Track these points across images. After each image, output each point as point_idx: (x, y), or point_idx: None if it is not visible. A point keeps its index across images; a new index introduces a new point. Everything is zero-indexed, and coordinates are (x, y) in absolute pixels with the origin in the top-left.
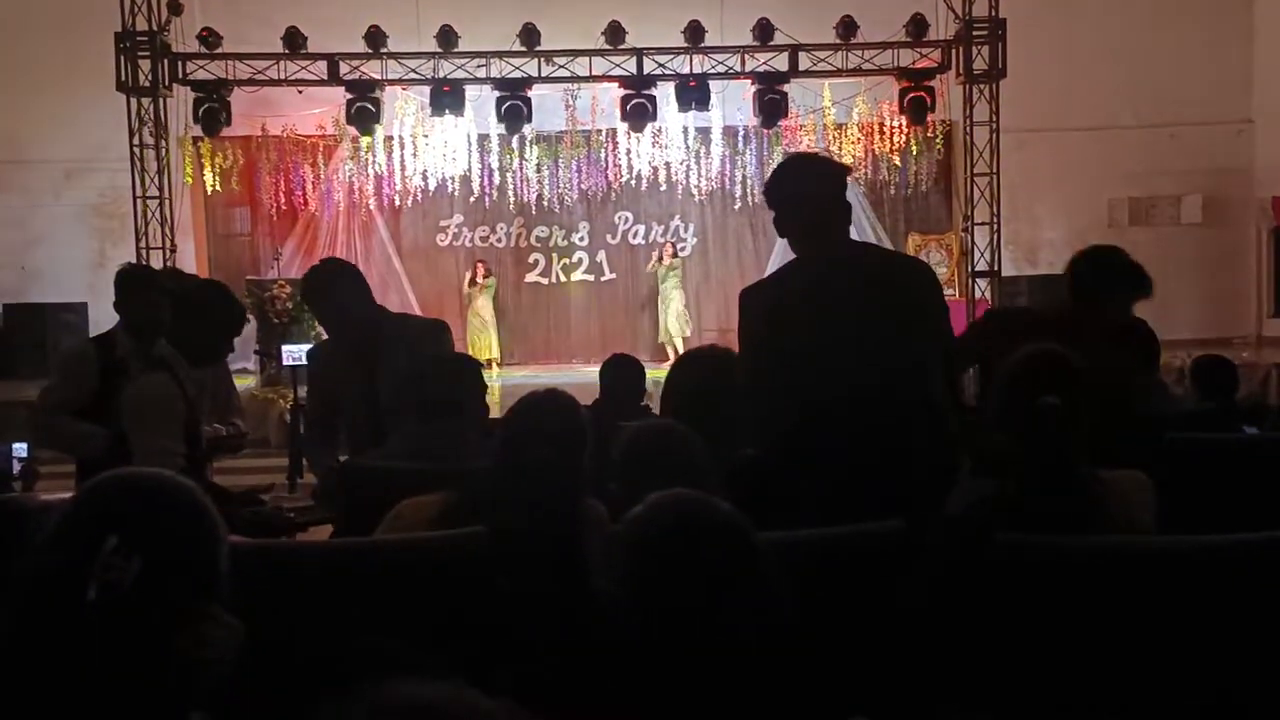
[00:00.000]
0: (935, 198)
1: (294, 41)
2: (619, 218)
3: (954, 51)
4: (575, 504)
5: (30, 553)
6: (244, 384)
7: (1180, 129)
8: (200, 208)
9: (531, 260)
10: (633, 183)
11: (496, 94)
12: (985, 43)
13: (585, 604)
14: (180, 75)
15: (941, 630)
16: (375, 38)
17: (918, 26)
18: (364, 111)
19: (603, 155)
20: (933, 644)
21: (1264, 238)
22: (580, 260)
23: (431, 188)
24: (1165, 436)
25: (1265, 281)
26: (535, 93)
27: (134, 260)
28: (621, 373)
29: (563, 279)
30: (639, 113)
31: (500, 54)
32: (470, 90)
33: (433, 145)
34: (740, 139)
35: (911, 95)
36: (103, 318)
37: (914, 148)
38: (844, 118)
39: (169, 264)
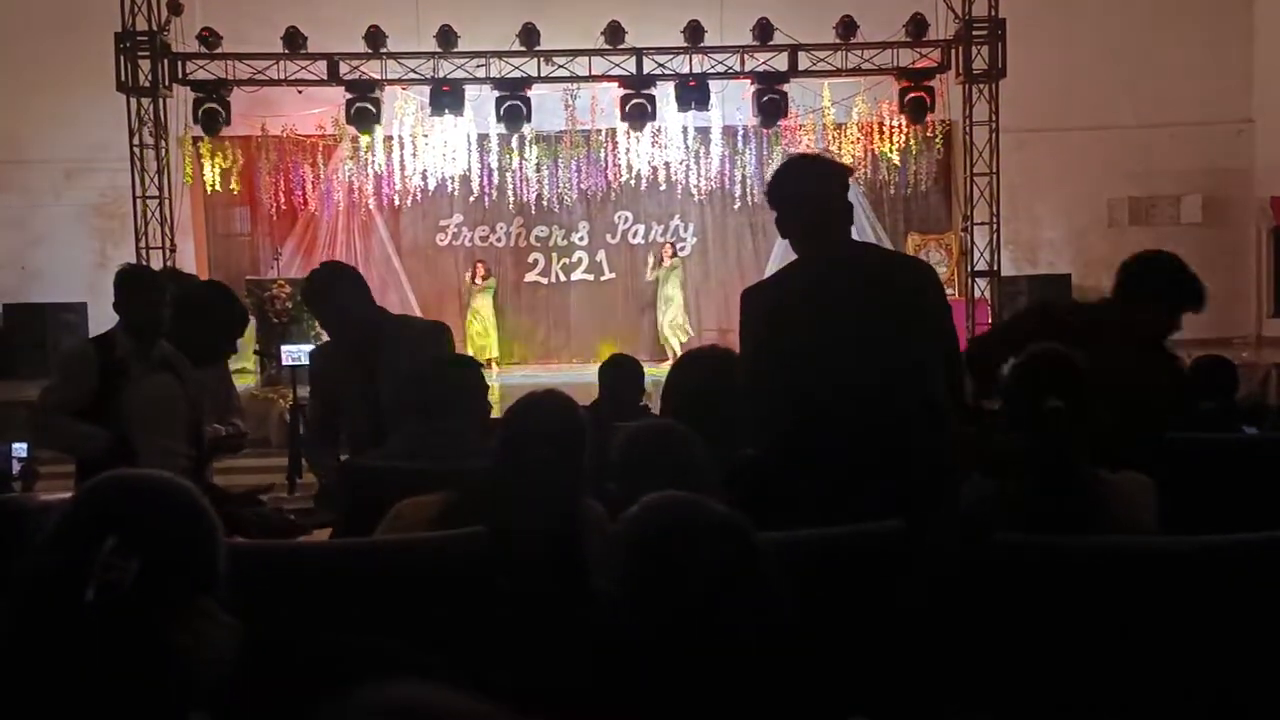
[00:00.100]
0: (935, 198)
1: (294, 41)
2: (619, 217)
3: (954, 51)
4: (574, 504)
5: (30, 553)
6: (244, 384)
7: (1180, 129)
8: (200, 208)
9: (531, 260)
10: (632, 182)
11: (496, 94)
12: (985, 43)
13: (584, 604)
14: (180, 75)
15: (942, 630)
16: (375, 38)
17: (917, 26)
18: (364, 111)
19: (602, 155)
20: (933, 644)
21: (1264, 238)
22: (580, 260)
23: (431, 187)
24: (1165, 436)
25: (1265, 281)
26: (535, 93)
27: (134, 260)
28: (621, 373)
29: (562, 279)
30: (638, 113)
31: (500, 54)
32: (470, 90)
33: (432, 145)
34: (740, 139)
35: (911, 95)
36: (103, 318)
37: (914, 148)
38: (844, 118)
39: (169, 264)
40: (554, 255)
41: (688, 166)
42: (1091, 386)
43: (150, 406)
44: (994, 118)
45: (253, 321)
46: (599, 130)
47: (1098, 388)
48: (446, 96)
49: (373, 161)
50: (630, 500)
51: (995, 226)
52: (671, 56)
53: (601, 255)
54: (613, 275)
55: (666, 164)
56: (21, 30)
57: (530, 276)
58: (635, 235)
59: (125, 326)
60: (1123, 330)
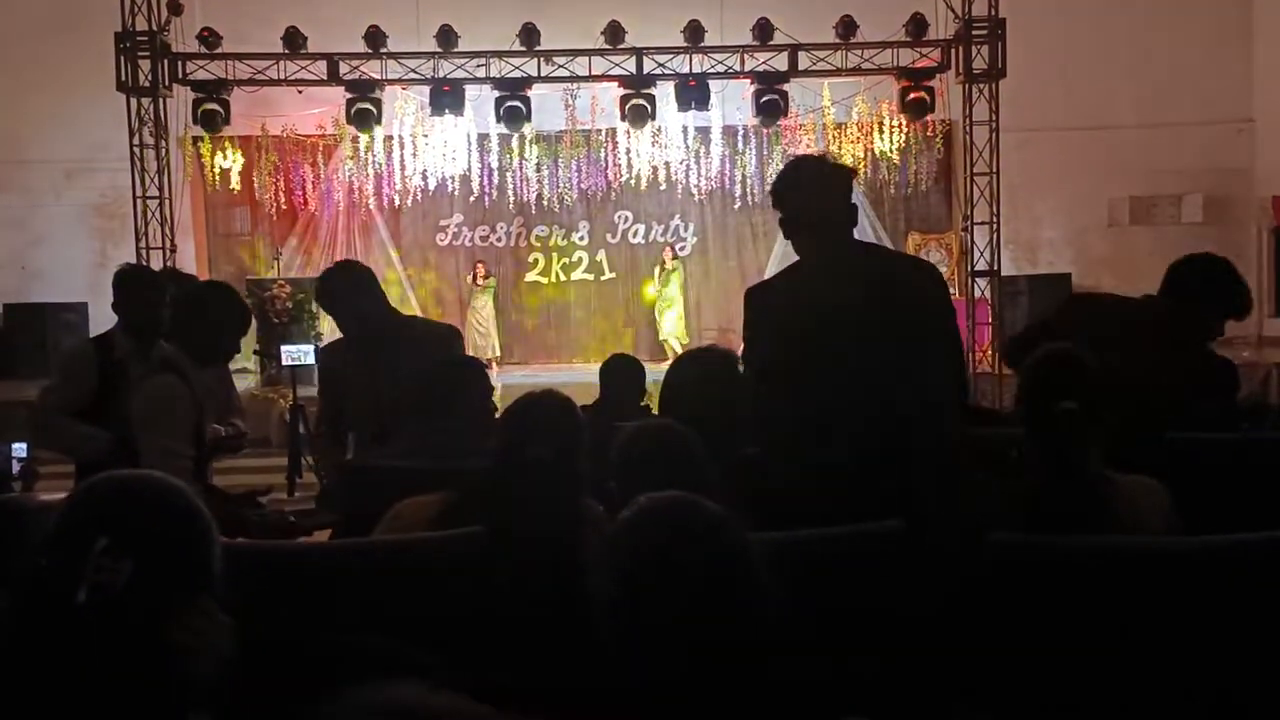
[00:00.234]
0: (935, 197)
1: (294, 41)
2: (619, 217)
3: (954, 51)
4: (573, 504)
5: (26, 554)
6: (244, 384)
7: (1180, 129)
8: (200, 208)
9: (531, 260)
10: (632, 182)
11: (496, 94)
12: (985, 42)
13: (583, 604)
14: (180, 75)
15: (943, 630)
16: (375, 38)
17: (917, 26)
18: (364, 111)
19: (602, 155)
20: (934, 644)
21: (1264, 238)
22: (580, 260)
23: (431, 187)
24: (1165, 436)
25: (1265, 281)
26: (535, 92)
27: (134, 260)
28: (622, 373)
29: (562, 278)
30: (638, 112)
31: (500, 54)
32: (470, 90)
33: (432, 145)
34: (740, 138)
35: (911, 95)
36: (103, 318)
37: (914, 147)
38: (844, 117)
39: (169, 264)
40: (554, 255)
41: (688, 166)
42: (1118, 385)
43: (152, 407)
44: (994, 117)
45: (253, 321)
46: (599, 130)
47: (1125, 387)
48: (446, 96)
49: (373, 161)
50: (630, 500)
51: (995, 226)
52: (671, 56)
53: (602, 255)
54: (613, 275)
55: (666, 164)
56: (21, 30)
57: (530, 276)
58: (635, 235)
59: (124, 327)
60: (1162, 329)
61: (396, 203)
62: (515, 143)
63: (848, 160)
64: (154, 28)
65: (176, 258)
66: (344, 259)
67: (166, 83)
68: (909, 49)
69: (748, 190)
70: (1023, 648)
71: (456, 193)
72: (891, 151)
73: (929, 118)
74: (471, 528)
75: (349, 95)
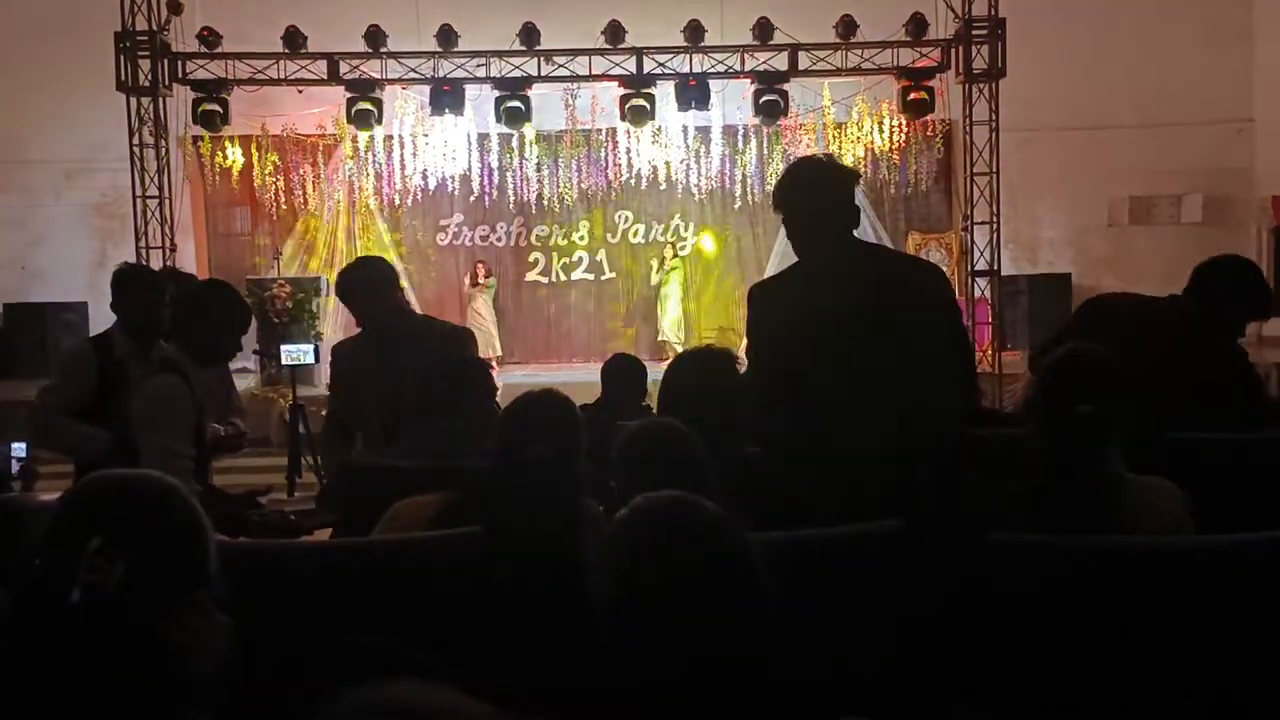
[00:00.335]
0: (935, 197)
1: (294, 41)
2: (619, 217)
3: (954, 51)
4: (572, 503)
5: (25, 554)
6: (244, 384)
7: (1180, 129)
8: (200, 207)
9: (531, 259)
10: (633, 182)
11: (496, 93)
12: (985, 42)
13: (582, 604)
14: (180, 75)
15: (943, 630)
16: (375, 37)
17: (917, 26)
18: (364, 111)
19: (603, 154)
20: (934, 644)
21: (1264, 238)
22: (580, 260)
23: (431, 187)
24: (1165, 437)
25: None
26: (535, 92)
27: (134, 260)
28: (624, 372)
29: (563, 278)
30: (638, 112)
31: (500, 53)
32: (470, 89)
33: (432, 144)
34: (740, 138)
35: (911, 95)
36: (103, 318)
37: (914, 147)
38: (844, 117)
39: (169, 264)
40: (554, 255)
41: (688, 166)
42: (1140, 388)
43: (153, 407)
44: (994, 117)
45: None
46: (599, 130)
47: (1150, 389)
48: (447, 96)
49: (373, 161)
50: (630, 499)
51: (995, 226)
52: (671, 56)
53: (602, 255)
54: (613, 275)
55: (667, 163)
56: (21, 30)
57: (530, 276)
58: (636, 235)
59: (123, 326)
60: (1189, 330)
61: (396, 202)
62: (515, 142)
63: (848, 160)
64: (154, 27)
65: (176, 257)
66: (367, 255)
67: (166, 82)
68: (909, 49)
69: (748, 190)
70: (1023, 648)
71: (457, 192)
72: (892, 151)
73: (929, 118)
74: (471, 528)
75: (349, 95)
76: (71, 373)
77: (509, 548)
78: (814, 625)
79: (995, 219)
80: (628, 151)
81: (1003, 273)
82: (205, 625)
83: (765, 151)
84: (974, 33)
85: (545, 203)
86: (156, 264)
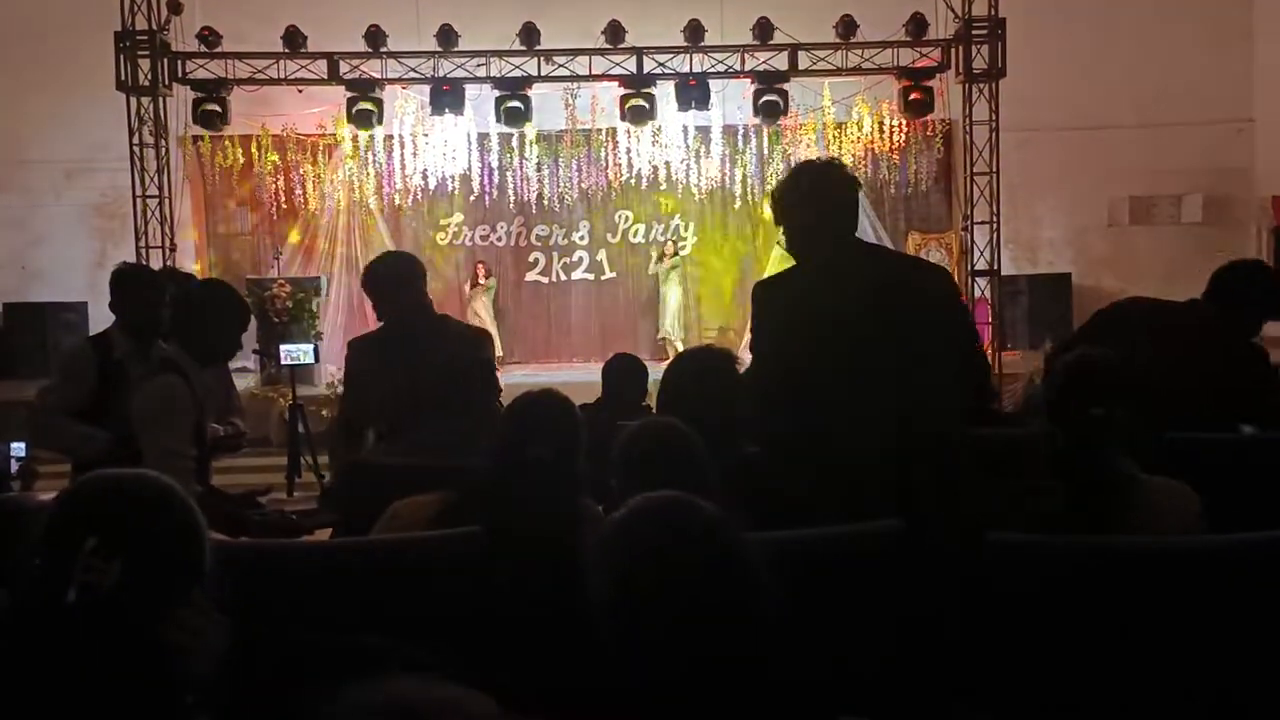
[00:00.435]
0: (935, 197)
1: (294, 40)
2: (619, 216)
3: (954, 51)
4: (572, 503)
5: (21, 554)
6: (244, 384)
7: (1180, 129)
8: (200, 207)
9: (532, 259)
10: (633, 181)
11: (496, 93)
12: (985, 42)
13: (582, 604)
14: (180, 74)
15: (943, 630)
16: (375, 37)
17: (917, 26)
18: (364, 111)
19: (603, 154)
20: (933, 644)
21: (1264, 237)
22: (580, 259)
23: (432, 187)
24: (1165, 437)
25: None
26: (535, 92)
27: (134, 260)
28: (624, 372)
29: (563, 278)
30: (638, 112)
31: (500, 53)
32: (470, 89)
33: (433, 144)
34: (740, 138)
35: (911, 95)
36: (103, 318)
37: (914, 147)
38: (844, 117)
39: (169, 263)
40: (554, 254)
41: (688, 166)
42: (1155, 390)
43: (153, 407)
44: (994, 117)
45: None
46: (599, 129)
47: (1168, 392)
48: (447, 96)
49: (373, 161)
50: (629, 499)
51: (995, 226)
52: (671, 56)
53: (602, 254)
54: (613, 275)
55: (667, 163)
56: (21, 30)
57: (531, 276)
58: (636, 234)
59: (122, 326)
60: (1208, 334)
61: (397, 202)
62: (515, 142)
63: (848, 160)
64: (154, 27)
65: (176, 257)
66: (396, 250)
67: (166, 82)
68: (909, 49)
69: (748, 190)
70: (1022, 648)
71: (457, 192)
72: (892, 151)
73: (929, 117)
74: (470, 528)
75: (349, 94)
76: (71, 372)
77: (509, 548)
78: (814, 625)
79: (995, 219)
80: (628, 151)
81: (1003, 273)
82: (203, 625)
83: (765, 152)
84: (974, 33)
85: (545, 202)
86: (156, 264)
